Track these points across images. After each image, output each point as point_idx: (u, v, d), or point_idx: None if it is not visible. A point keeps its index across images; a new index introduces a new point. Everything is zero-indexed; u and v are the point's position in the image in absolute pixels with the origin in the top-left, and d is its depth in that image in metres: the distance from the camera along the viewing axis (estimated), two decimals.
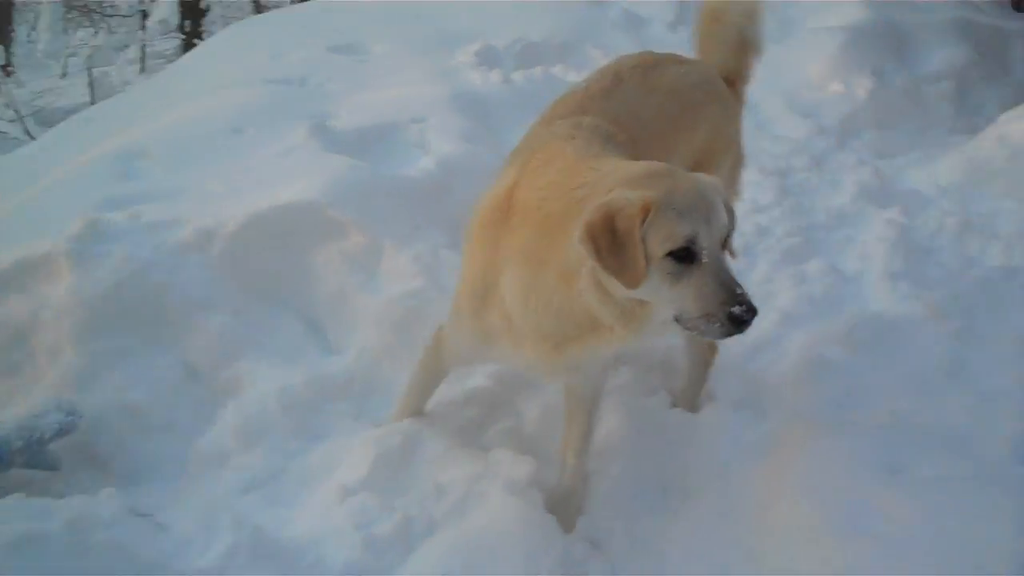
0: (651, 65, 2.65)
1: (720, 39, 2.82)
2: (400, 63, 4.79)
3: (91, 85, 11.94)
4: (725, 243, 2.09)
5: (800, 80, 5.24)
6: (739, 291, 2.01)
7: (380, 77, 4.60)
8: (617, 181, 2.08)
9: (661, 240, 1.97)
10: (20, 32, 15.46)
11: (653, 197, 1.97)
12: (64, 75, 13.83)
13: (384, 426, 2.69)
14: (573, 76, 4.56)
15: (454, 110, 4.14)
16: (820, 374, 2.98)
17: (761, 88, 4.84)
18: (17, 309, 2.98)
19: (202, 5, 12.23)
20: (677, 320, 2.07)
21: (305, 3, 6.52)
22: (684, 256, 1.99)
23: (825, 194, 4.19)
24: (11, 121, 10.81)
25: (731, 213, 2.13)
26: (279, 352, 2.95)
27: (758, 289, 3.31)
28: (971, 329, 3.22)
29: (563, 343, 2.26)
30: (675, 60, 2.73)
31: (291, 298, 3.12)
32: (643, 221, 1.96)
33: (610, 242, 1.97)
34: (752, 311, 2.00)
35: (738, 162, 2.83)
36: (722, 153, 2.72)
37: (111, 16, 14.23)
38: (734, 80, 2.82)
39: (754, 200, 4.00)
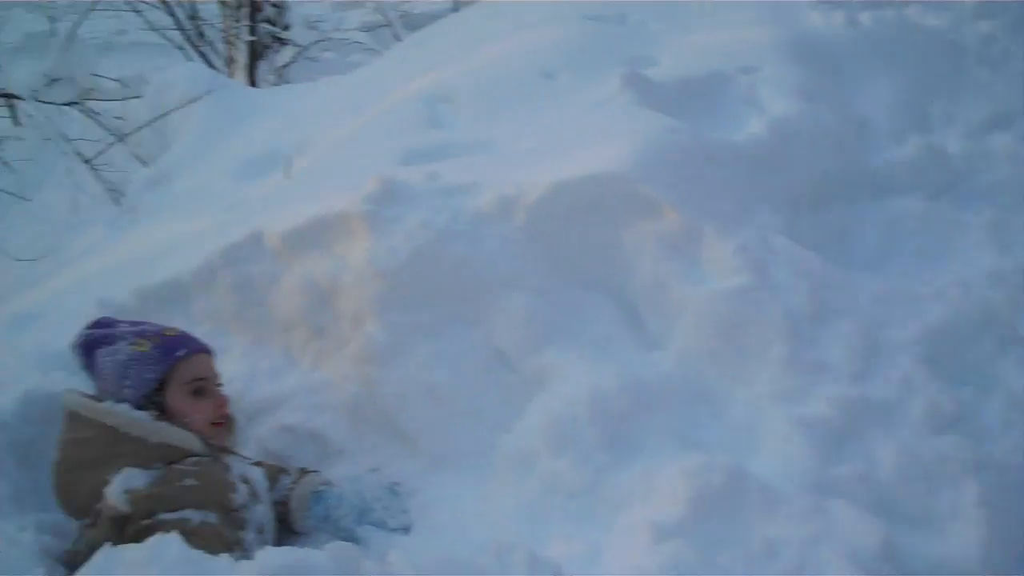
0: None
1: None
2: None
3: None
4: None
5: None
6: None
7: (706, 16, 4.13)
8: None
9: None
10: None
11: None
12: None
13: (693, 458, 2.34)
14: (932, 20, 3.97)
15: (791, 59, 3.59)
16: None
17: None
18: (319, 268, 3.00)
19: None
20: None
21: None
22: None
23: None
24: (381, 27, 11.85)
25: None
26: (590, 342, 2.69)
27: None
28: None
29: None
30: None
31: (602, 281, 2.81)
32: None
33: None
34: None
35: None
36: None
37: None
38: None
39: None
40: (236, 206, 4.25)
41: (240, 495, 2.44)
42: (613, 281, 2.82)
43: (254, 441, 2.99)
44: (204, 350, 2.61)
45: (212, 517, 2.33)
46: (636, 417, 2.51)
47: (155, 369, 2.46)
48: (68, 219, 7.71)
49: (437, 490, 2.73)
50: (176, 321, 3.30)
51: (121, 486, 2.30)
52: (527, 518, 2.46)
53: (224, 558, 1.99)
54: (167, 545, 1.97)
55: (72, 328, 3.52)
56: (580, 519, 2.40)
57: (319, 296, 2.98)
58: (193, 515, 2.30)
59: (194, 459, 2.40)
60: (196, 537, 2.13)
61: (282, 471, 2.79)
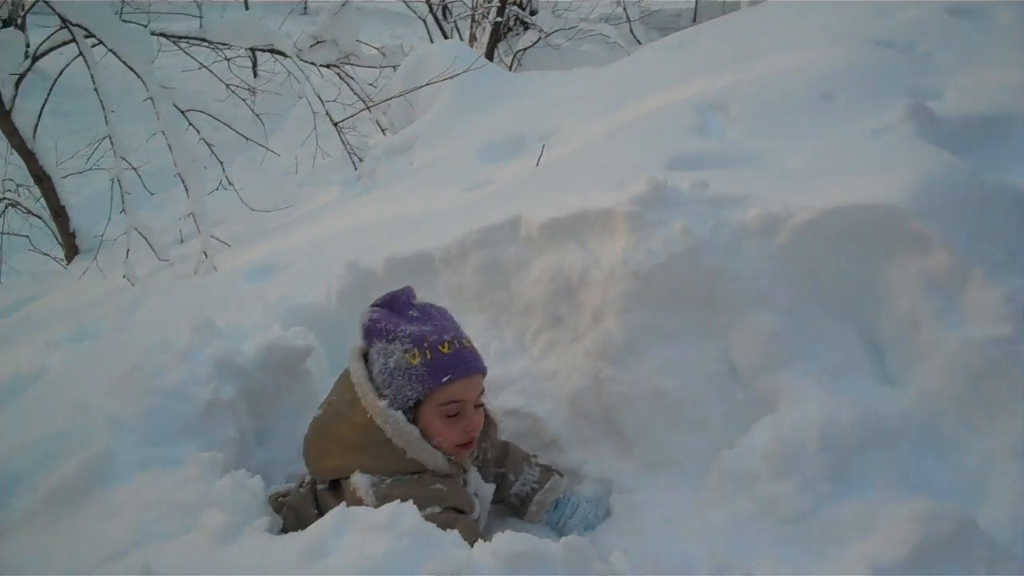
0: None
1: None
2: None
3: None
4: None
5: None
6: None
7: (1001, 53, 4.17)
8: None
9: None
10: None
11: None
12: None
13: (923, 503, 2.43)
14: None
15: None
16: None
17: None
18: (570, 260, 3.25)
19: None
20: None
21: None
22: None
23: None
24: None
25: None
26: (828, 370, 2.84)
27: None
28: None
29: None
30: None
31: (852, 311, 2.95)
32: None
33: None
34: None
35: None
36: None
37: None
38: None
39: None
40: (483, 186, 4.58)
41: (475, 512, 2.66)
42: (863, 312, 2.95)
43: None
44: (473, 372, 2.65)
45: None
46: (865, 451, 2.63)
47: (417, 388, 2.55)
48: (303, 176, 8.31)
49: (650, 493, 2.95)
50: (418, 293, 3.66)
51: (368, 482, 2.51)
52: (738, 536, 2.62)
53: (455, 534, 2.16)
54: (403, 513, 2.13)
55: (316, 285, 3.95)
56: (792, 545, 2.54)
57: (564, 287, 3.25)
58: (439, 509, 2.50)
59: (441, 476, 2.60)
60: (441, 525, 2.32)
61: (527, 461, 3.05)
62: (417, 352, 2.55)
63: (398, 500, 2.25)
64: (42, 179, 7.84)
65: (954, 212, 2.90)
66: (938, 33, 4.56)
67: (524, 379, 3.30)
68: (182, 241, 7.41)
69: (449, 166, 5.61)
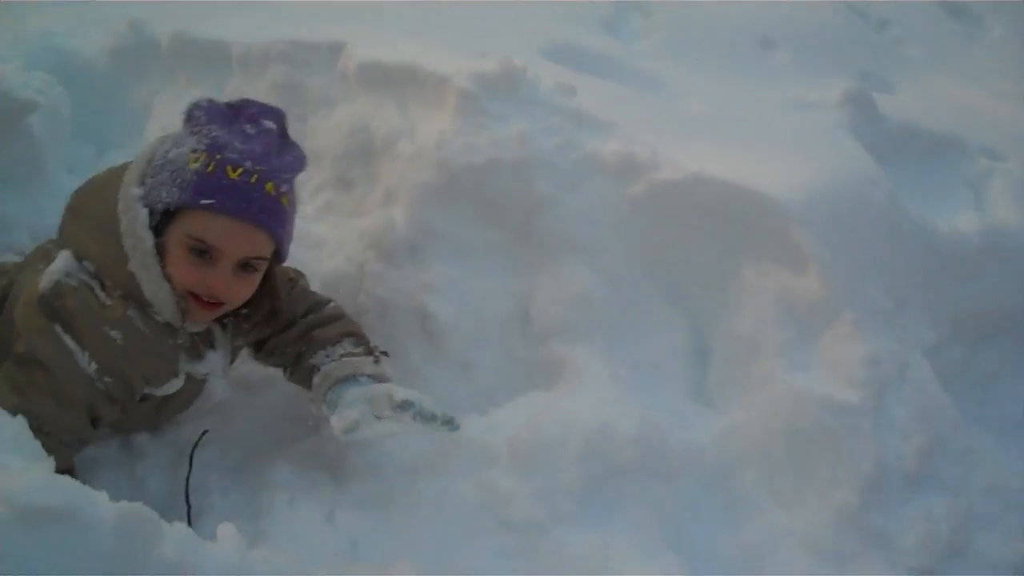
0: None
1: None
2: None
3: None
4: None
5: None
6: None
7: (978, 67, 3.73)
8: None
9: None
10: None
11: None
12: None
13: None
14: None
15: None
16: None
17: None
18: (384, 119, 2.78)
19: None
20: None
21: None
22: None
23: None
24: None
25: None
26: (635, 359, 2.38)
27: None
28: None
29: None
30: None
31: (687, 300, 2.47)
32: None
33: None
34: None
35: None
36: None
37: None
38: None
39: None
40: None
41: (162, 389, 2.17)
42: (700, 308, 2.47)
43: None
44: (248, 219, 2.03)
45: (104, 383, 2.01)
46: (619, 484, 2.15)
47: (173, 194, 2.00)
48: None
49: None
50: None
51: (62, 268, 2.03)
52: None
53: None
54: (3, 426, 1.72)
55: (92, 34, 3.37)
56: None
57: (365, 147, 2.78)
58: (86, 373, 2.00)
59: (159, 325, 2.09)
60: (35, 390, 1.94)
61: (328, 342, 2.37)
62: (204, 158, 1.99)
63: (62, 321, 1.94)
64: None
65: (848, 233, 2.38)
66: (919, 21, 4.02)
67: None
68: None
69: None
